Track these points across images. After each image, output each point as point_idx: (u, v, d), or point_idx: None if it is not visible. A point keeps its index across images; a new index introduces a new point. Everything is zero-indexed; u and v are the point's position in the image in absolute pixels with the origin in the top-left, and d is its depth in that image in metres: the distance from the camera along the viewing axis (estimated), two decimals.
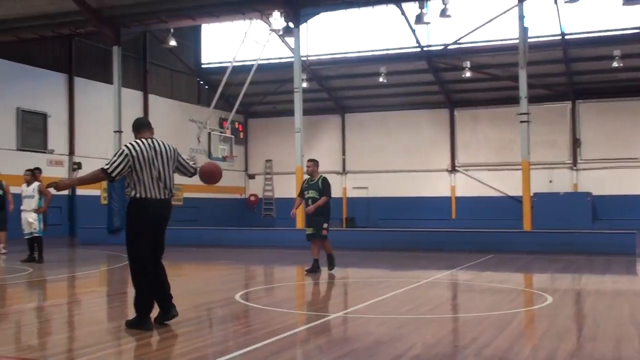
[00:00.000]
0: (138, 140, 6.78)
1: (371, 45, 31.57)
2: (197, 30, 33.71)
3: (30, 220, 14.26)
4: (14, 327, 7.14)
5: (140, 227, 6.73)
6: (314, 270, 12.16)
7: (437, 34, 30.48)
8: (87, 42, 27.37)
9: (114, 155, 6.58)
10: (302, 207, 12.76)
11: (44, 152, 25.43)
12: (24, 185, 14.62)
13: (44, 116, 25.73)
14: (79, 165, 26.17)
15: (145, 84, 30.52)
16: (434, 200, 33.52)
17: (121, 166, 6.53)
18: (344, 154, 35.90)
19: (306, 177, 12.56)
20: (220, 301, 8.90)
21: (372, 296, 9.06)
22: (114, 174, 6.53)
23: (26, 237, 14.36)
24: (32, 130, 25.27)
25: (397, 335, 6.22)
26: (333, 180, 35.16)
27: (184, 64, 33.24)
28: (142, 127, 7.05)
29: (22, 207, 14.50)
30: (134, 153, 6.59)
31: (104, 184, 24.32)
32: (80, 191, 25.76)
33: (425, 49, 30.21)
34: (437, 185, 33.81)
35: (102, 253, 17.85)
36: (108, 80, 25.25)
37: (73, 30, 23.83)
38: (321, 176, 12.31)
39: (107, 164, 6.53)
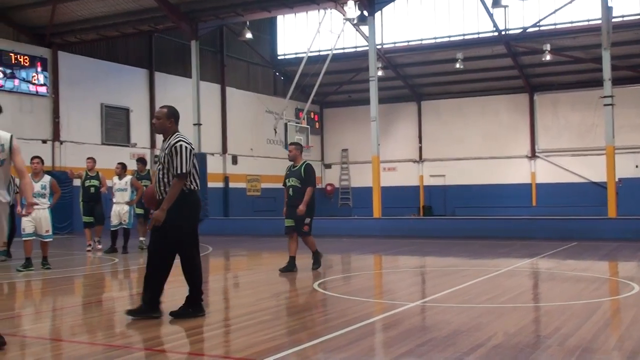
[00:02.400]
0: (182, 134, 6.86)
1: (447, 31, 31.11)
2: (272, 23, 34.01)
3: (122, 212, 14.68)
4: (103, 315, 7.41)
5: (197, 218, 6.87)
6: (289, 269, 10.74)
7: (516, 17, 29.77)
8: (166, 38, 28.04)
9: (179, 155, 6.51)
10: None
11: (127, 146, 26.23)
12: (115, 178, 14.95)
13: (126, 111, 26.55)
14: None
15: (222, 77, 31.03)
16: (513, 187, 32.85)
17: (190, 163, 6.57)
18: (420, 142, 35.57)
19: (289, 163, 10.99)
20: (298, 290, 9.00)
21: (450, 285, 8.98)
22: (187, 173, 6.56)
23: (113, 228, 14.75)
24: (115, 125, 26.12)
25: (476, 324, 6.15)
26: (409, 168, 35.41)
27: (260, 56, 33.60)
28: (179, 118, 7.01)
29: (114, 200, 14.82)
30: (191, 147, 6.69)
31: None
32: None
33: (503, 32, 29.55)
34: (516, 172, 33.11)
35: None
36: (187, 74, 25.80)
37: (153, 26, 24.45)
38: (305, 162, 10.76)
39: (180, 169, 6.47)
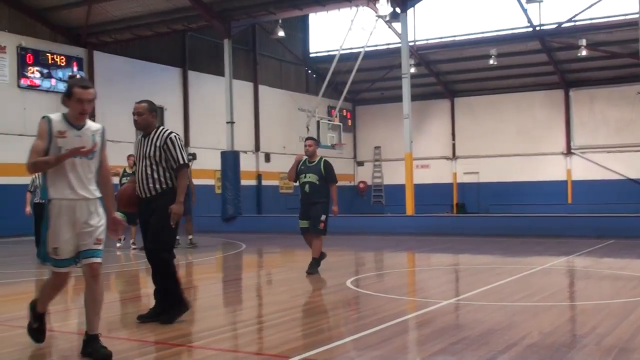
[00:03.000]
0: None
1: (480, 27, 30.83)
2: (304, 20, 34.05)
3: None
4: (137, 312, 7.50)
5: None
6: (315, 268, 10.19)
7: (550, 13, 29.37)
8: (199, 37, 28.23)
9: (175, 146, 6.40)
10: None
11: None
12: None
13: (161, 110, 26.79)
14: (193, 156, 27.09)
15: (255, 75, 31.16)
16: (548, 185, 32.46)
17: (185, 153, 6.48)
18: (453, 138, 35.33)
19: (304, 157, 10.41)
20: (331, 287, 9.01)
21: (484, 283, 8.91)
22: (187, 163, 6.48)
23: None
24: None
25: (511, 323, 6.10)
26: (442, 165, 35.21)
27: (292, 54, 33.67)
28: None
29: None
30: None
31: (218, 174, 25.09)
32: (196, 181, 26.67)
33: (537, 28, 29.18)
34: (551, 168, 32.70)
35: (217, 240, 18.44)
36: (219, 72, 25.95)
37: (186, 25, 24.64)
38: (322, 158, 10.24)
39: (181, 159, 6.36)
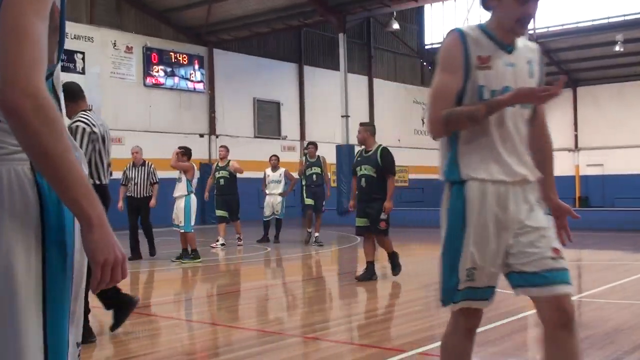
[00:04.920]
0: (88, 113, 5.52)
1: (606, 12, 29.37)
2: (419, 12, 33.68)
3: (276, 203, 15.04)
4: (256, 303, 7.70)
5: None
6: (368, 277, 8.91)
7: None
8: (314, 32, 28.55)
9: (76, 138, 5.22)
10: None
11: (278, 139, 27.01)
12: (269, 169, 15.13)
13: (277, 105, 27.33)
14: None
15: (369, 68, 31.17)
16: None
17: (89, 148, 5.38)
18: (576, 129, 33.95)
19: (359, 148, 9.43)
20: None
21: (609, 280, 8.52)
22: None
23: (265, 219, 15.14)
24: (267, 118, 26.99)
25: (639, 322, 5.80)
26: (564, 157, 33.93)
27: (407, 46, 33.40)
28: (78, 93, 5.56)
29: (267, 191, 14.94)
30: (91, 129, 5.39)
31: (334, 167, 25.30)
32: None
33: None
34: None
35: (332, 234, 18.60)
36: (334, 67, 26.14)
37: (302, 21, 24.97)
38: (380, 146, 8.98)
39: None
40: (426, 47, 34.37)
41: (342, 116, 24.07)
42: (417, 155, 31.90)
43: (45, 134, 1.49)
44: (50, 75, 1.65)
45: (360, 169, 8.88)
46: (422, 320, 6.17)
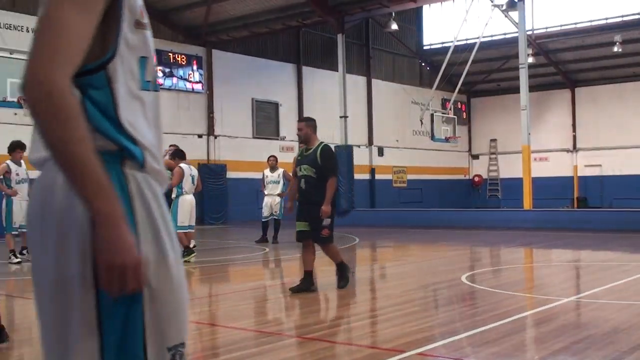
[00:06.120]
0: None
1: (604, 13, 29.39)
2: (418, 12, 33.67)
3: (274, 203, 15.02)
4: (254, 303, 7.69)
5: None
6: (303, 287, 7.77)
7: None
8: (312, 32, 28.53)
9: None
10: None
11: (277, 139, 27.00)
12: (267, 170, 15.18)
13: (275, 105, 27.32)
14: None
15: (368, 69, 31.16)
16: None
17: None
18: (574, 130, 33.94)
19: (301, 147, 8.58)
20: (446, 282, 8.88)
21: (608, 280, 8.51)
22: None
23: (264, 219, 15.12)
24: (265, 119, 26.97)
25: (637, 322, 5.79)
26: (562, 158, 33.92)
27: (406, 47, 33.40)
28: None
29: (266, 192, 15.00)
30: None
31: None
32: None
33: None
34: None
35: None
36: (333, 67, 26.13)
37: (300, 21, 24.96)
38: (321, 143, 8.03)
39: None
40: (425, 47, 34.37)
41: (341, 117, 24.08)
42: (416, 155, 31.90)
43: (54, 122, 1.47)
44: (99, 68, 1.62)
45: (300, 170, 7.95)
46: (421, 320, 6.16)
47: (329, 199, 7.72)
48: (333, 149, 8.16)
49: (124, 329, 1.58)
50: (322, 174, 7.79)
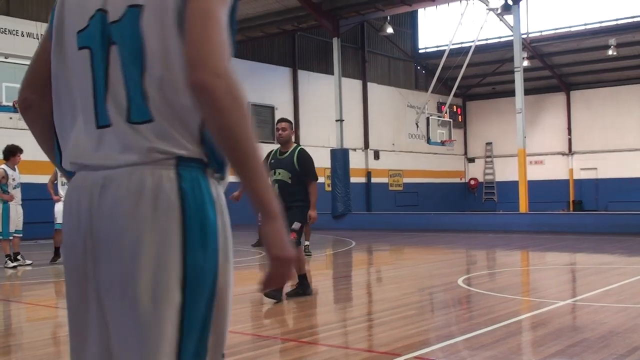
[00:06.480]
0: None
1: (599, 16, 29.50)
2: (413, 16, 33.75)
3: None
4: (251, 307, 7.68)
5: None
6: (277, 295, 7.30)
7: None
8: (308, 36, 28.57)
9: None
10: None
11: (272, 143, 26.95)
12: None
13: (271, 109, 27.29)
14: None
15: (364, 72, 31.20)
16: None
17: None
18: (569, 133, 34.02)
19: (275, 147, 8.20)
20: (442, 285, 8.89)
21: (604, 283, 8.52)
22: None
23: (259, 223, 15.04)
24: (261, 122, 26.94)
25: (634, 325, 5.80)
26: (558, 161, 33.99)
27: (401, 50, 33.47)
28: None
29: None
30: None
31: (328, 171, 25.24)
32: None
33: None
34: None
35: (327, 237, 18.60)
36: (328, 71, 26.16)
37: (296, 25, 25.00)
38: (297, 147, 7.85)
39: None
40: (420, 51, 34.44)
41: (337, 120, 24.10)
42: (412, 159, 31.93)
43: (235, 114, 1.51)
44: None
45: (276, 173, 7.61)
46: (417, 324, 6.16)
47: (314, 204, 7.66)
48: (309, 153, 7.93)
49: (200, 334, 1.63)
50: (299, 179, 7.63)
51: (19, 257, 11.30)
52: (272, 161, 7.77)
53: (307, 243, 13.30)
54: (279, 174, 7.56)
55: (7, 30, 18.93)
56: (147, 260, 1.58)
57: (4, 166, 11.28)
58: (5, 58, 15.73)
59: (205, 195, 1.64)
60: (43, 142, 1.92)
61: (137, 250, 1.58)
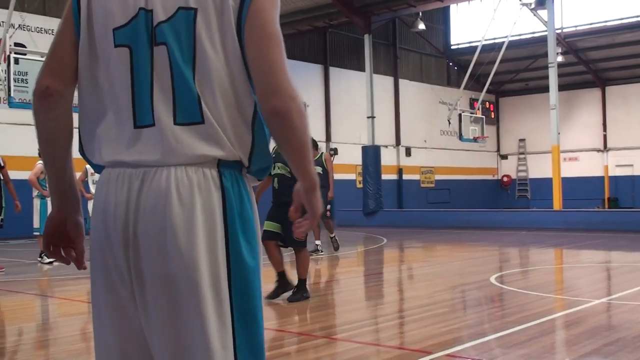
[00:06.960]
0: None
1: (634, 11, 28.97)
2: (445, 12, 33.53)
3: None
4: (281, 303, 7.72)
5: None
6: (280, 291, 7.34)
7: None
8: (339, 33, 28.55)
9: None
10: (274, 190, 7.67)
11: None
12: None
13: (303, 106, 27.37)
14: (335, 151, 27.48)
15: (395, 69, 31.08)
16: None
17: None
18: (604, 129, 33.52)
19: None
20: (474, 283, 8.83)
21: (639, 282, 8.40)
22: None
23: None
24: None
25: None
26: (592, 158, 33.52)
27: (433, 46, 33.27)
28: None
29: None
30: None
31: (360, 168, 25.18)
32: (337, 175, 27.05)
33: None
34: None
35: (359, 234, 18.59)
36: (360, 67, 26.11)
37: (327, 22, 24.99)
38: None
39: None
40: (452, 47, 34.21)
41: (368, 117, 24.05)
42: (444, 155, 31.74)
43: (304, 129, 1.75)
44: None
45: (275, 168, 7.49)
46: (449, 321, 6.13)
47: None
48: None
49: (249, 320, 1.74)
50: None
51: (43, 255, 11.38)
52: (274, 156, 7.40)
53: (317, 242, 12.89)
54: (279, 167, 7.54)
55: (42, 29, 19.23)
56: (201, 256, 1.65)
57: (40, 162, 11.45)
58: (42, 57, 15.95)
59: (244, 194, 1.74)
60: (54, 130, 1.85)
61: (191, 245, 1.64)
